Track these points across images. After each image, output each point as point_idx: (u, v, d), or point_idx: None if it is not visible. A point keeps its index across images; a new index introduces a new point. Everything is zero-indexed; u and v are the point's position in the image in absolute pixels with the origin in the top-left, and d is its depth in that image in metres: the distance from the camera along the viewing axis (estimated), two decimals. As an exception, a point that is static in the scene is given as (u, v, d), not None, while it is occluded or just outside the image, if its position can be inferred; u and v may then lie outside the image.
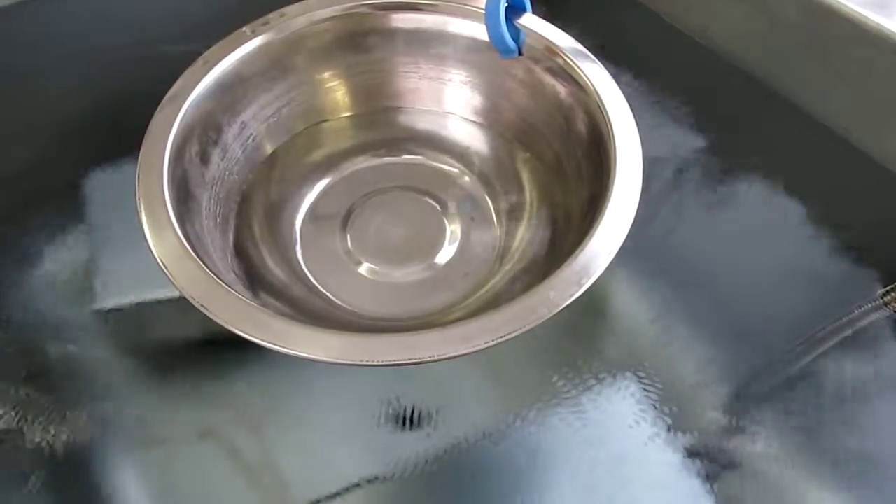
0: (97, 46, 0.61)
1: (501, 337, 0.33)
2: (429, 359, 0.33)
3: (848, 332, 0.43)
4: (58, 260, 0.48)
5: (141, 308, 0.45)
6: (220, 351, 0.44)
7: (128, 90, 0.56)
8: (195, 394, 0.43)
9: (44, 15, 0.63)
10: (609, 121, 0.41)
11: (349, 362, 0.33)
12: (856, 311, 0.43)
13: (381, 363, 0.33)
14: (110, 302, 0.46)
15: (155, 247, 0.37)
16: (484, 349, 0.33)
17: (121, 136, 0.50)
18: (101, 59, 0.60)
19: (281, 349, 0.33)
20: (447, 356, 0.33)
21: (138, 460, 0.40)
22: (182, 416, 0.42)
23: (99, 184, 0.51)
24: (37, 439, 0.40)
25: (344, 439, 0.41)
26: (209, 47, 0.46)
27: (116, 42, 0.62)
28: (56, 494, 0.39)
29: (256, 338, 0.33)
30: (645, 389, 0.42)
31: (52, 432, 0.41)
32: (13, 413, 0.41)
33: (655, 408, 0.41)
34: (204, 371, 0.44)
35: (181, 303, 0.44)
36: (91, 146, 0.54)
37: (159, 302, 0.45)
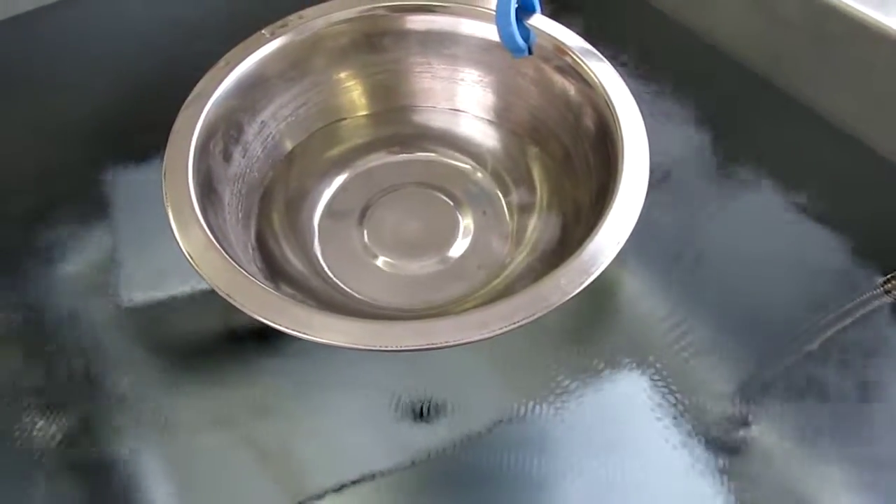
0: (120, 49, 0.62)
1: (515, 323, 0.34)
2: (445, 344, 0.33)
3: (850, 320, 0.43)
4: (83, 256, 0.48)
5: (163, 302, 0.46)
6: (239, 343, 0.44)
7: (150, 91, 0.57)
8: (214, 384, 0.43)
9: (69, 19, 0.64)
10: (616, 116, 0.41)
11: (369, 348, 0.34)
12: (858, 299, 0.43)
13: (399, 348, 0.34)
14: (134, 296, 0.46)
15: (182, 240, 0.37)
16: (498, 335, 0.34)
17: (143, 136, 0.51)
18: (125, 61, 0.61)
19: (304, 336, 0.34)
20: (463, 342, 0.33)
21: (160, 447, 0.41)
22: (202, 405, 0.42)
23: (122, 182, 0.52)
24: (64, 428, 0.41)
25: (358, 429, 0.41)
26: (230, 49, 0.46)
27: (139, 45, 0.62)
28: (80, 480, 0.40)
29: (280, 325, 0.34)
30: (653, 380, 0.42)
31: (79, 421, 0.41)
32: (42, 402, 0.42)
33: (664, 398, 0.41)
34: (223, 363, 0.44)
35: (201, 297, 0.45)
36: (115, 146, 0.54)
37: (180, 296, 0.46)
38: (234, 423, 0.41)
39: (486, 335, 0.34)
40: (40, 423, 0.41)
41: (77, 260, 0.48)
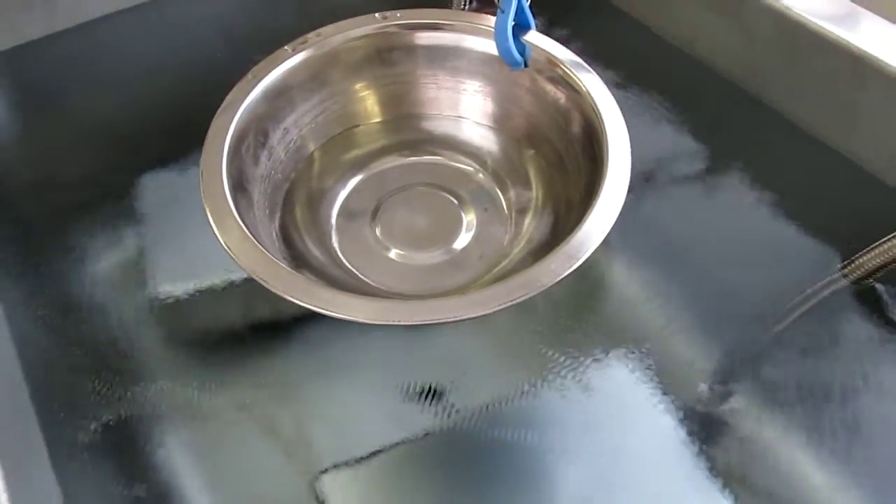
0: (153, 65, 0.64)
1: (512, 300, 0.36)
2: (451, 319, 0.36)
3: (815, 300, 0.45)
4: (118, 251, 0.50)
5: (190, 297, 0.47)
6: (260, 334, 0.46)
7: (183, 102, 0.59)
8: (237, 372, 0.44)
9: (109, 34, 0.66)
10: (602, 121, 0.44)
11: (385, 322, 0.36)
12: (821, 283, 0.46)
13: (411, 322, 0.37)
14: (164, 290, 0.48)
15: (220, 233, 0.40)
16: (497, 311, 0.36)
17: (175, 143, 0.54)
18: (159, 74, 0.63)
19: (329, 313, 0.37)
20: (466, 317, 0.36)
21: (187, 429, 0.42)
22: (225, 391, 0.43)
23: (156, 184, 0.54)
24: (101, 414, 0.42)
25: (368, 410, 0.43)
26: (256, 64, 0.48)
27: (173, 59, 0.64)
28: (115, 460, 0.41)
29: (309, 304, 0.37)
30: (640, 361, 0.44)
31: (113, 407, 0.43)
32: (83, 384, 0.43)
33: (650, 377, 0.43)
34: (245, 352, 0.45)
35: (225, 291, 0.47)
36: (150, 152, 0.56)
37: (206, 291, 0.48)
38: (253, 406, 0.42)
39: (487, 311, 0.36)
40: (82, 403, 0.43)
41: (110, 255, 0.50)
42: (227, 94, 0.47)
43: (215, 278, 0.48)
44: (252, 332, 0.46)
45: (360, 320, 0.37)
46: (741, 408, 0.42)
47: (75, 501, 0.39)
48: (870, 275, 0.45)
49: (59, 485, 0.39)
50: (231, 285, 0.47)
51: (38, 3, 0.63)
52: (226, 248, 0.39)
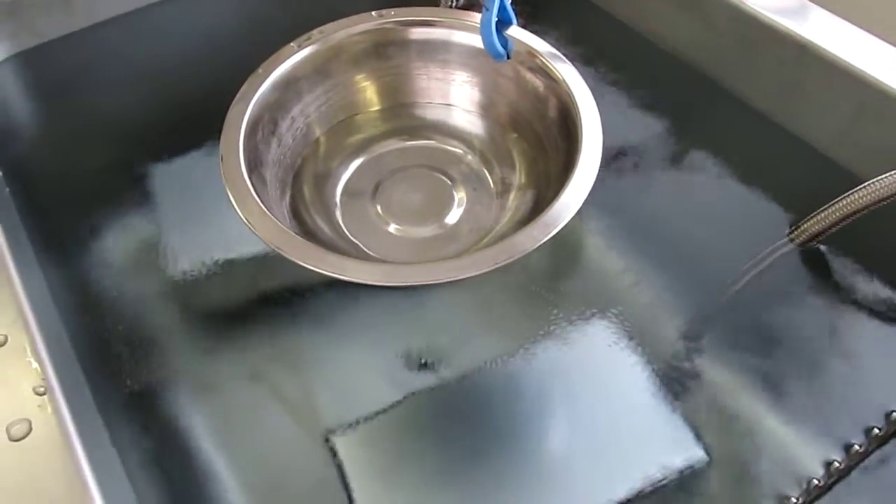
0: (167, 61, 0.66)
1: (498, 263, 0.39)
2: (446, 279, 0.39)
3: (767, 263, 0.49)
4: (140, 232, 0.52)
5: (201, 275, 0.49)
6: (270, 307, 0.48)
7: (197, 95, 0.61)
8: (249, 341, 0.46)
9: (124, 33, 0.68)
10: (576, 105, 0.46)
11: (388, 284, 0.39)
12: (771, 246, 0.49)
13: (411, 283, 0.40)
14: (179, 268, 0.50)
15: (240, 209, 0.42)
16: (486, 272, 0.39)
17: (190, 133, 0.57)
18: (173, 70, 0.65)
19: (340, 276, 0.39)
20: (460, 277, 0.39)
21: (202, 397, 0.44)
22: (236, 360, 0.45)
23: (175, 171, 0.56)
24: (117, 383, 0.44)
25: (370, 374, 0.45)
26: (265, 59, 0.50)
27: (185, 56, 0.66)
28: (135, 430, 0.43)
29: (320, 269, 0.39)
30: (617, 323, 0.46)
31: (131, 376, 0.45)
32: (106, 359, 0.45)
33: (625, 338, 0.45)
34: (257, 323, 0.47)
35: (238, 268, 0.49)
36: (168, 140, 0.58)
37: (221, 267, 0.49)
38: (262, 375, 0.44)
39: (477, 272, 0.39)
40: (105, 377, 0.44)
41: (133, 235, 0.52)
42: (238, 87, 0.49)
43: (230, 255, 0.50)
44: (262, 305, 0.48)
45: (367, 282, 0.39)
46: (707, 362, 0.44)
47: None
48: (813, 238, 0.49)
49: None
50: (243, 262, 0.50)
51: (56, 5, 0.64)
52: (247, 223, 0.42)
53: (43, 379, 0.38)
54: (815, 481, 0.40)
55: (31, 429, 0.36)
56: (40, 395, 0.38)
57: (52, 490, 0.34)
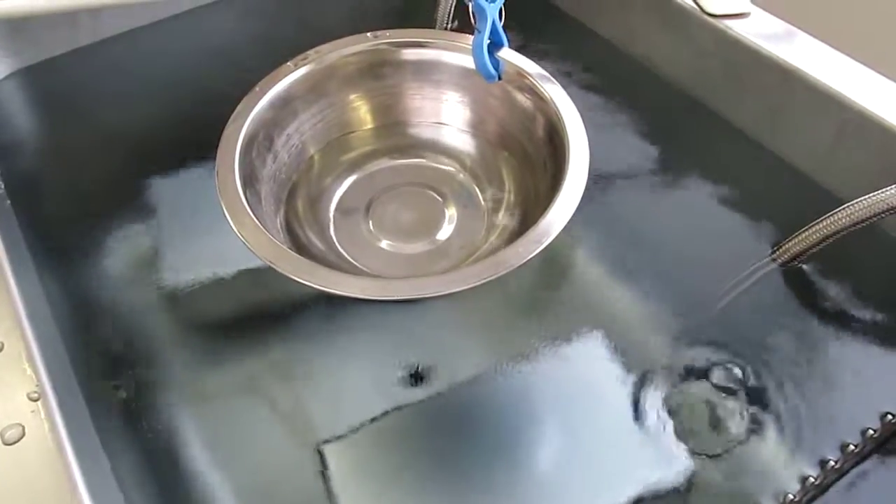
0: (167, 78, 0.66)
1: (485, 278, 0.40)
2: (435, 294, 0.40)
3: (750, 282, 0.49)
4: (138, 245, 0.52)
5: (196, 287, 0.49)
6: (263, 319, 0.48)
7: (196, 111, 0.62)
8: (241, 355, 0.46)
9: (127, 50, 0.68)
10: (564, 125, 0.47)
11: (378, 298, 0.40)
12: (755, 265, 0.50)
13: (401, 298, 0.40)
14: (174, 279, 0.50)
15: (235, 225, 0.42)
16: (474, 286, 0.39)
17: (188, 147, 0.57)
18: (173, 87, 0.65)
19: (330, 290, 0.40)
20: (448, 292, 0.40)
21: (194, 407, 0.44)
22: (229, 371, 0.46)
23: (172, 186, 0.56)
24: (111, 392, 0.44)
25: (361, 385, 0.45)
26: (262, 78, 0.51)
27: (189, 72, 0.67)
28: (130, 438, 0.43)
29: (311, 282, 0.40)
30: (602, 339, 0.46)
31: (124, 385, 0.45)
32: (102, 369, 0.46)
33: (611, 353, 0.46)
34: (250, 335, 0.47)
35: (233, 281, 0.49)
36: (164, 157, 0.58)
37: (215, 280, 0.49)
38: (256, 386, 0.44)
39: (465, 287, 0.40)
40: (99, 385, 0.45)
41: (131, 248, 0.52)
42: (236, 105, 0.50)
43: (225, 268, 0.50)
44: (256, 318, 0.49)
45: (358, 296, 0.39)
46: (692, 376, 0.44)
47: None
48: (795, 257, 0.49)
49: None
50: (237, 275, 0.50)
51: (61, 22, 0.65)
52: (241, 237, 0.42)
53: (37, 385, 0.39)
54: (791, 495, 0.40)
55: (24, 433, 0.37)
56: (34, 400, 0.38)
57: (43, 494, 0.35)
